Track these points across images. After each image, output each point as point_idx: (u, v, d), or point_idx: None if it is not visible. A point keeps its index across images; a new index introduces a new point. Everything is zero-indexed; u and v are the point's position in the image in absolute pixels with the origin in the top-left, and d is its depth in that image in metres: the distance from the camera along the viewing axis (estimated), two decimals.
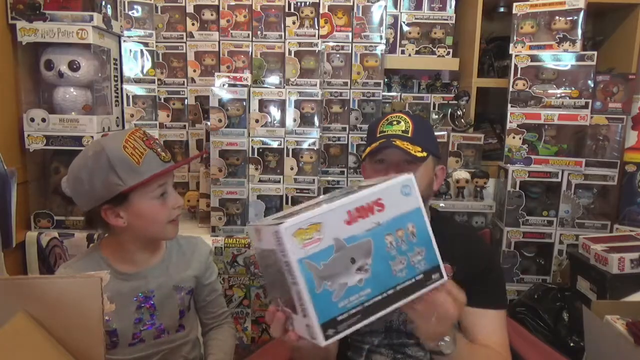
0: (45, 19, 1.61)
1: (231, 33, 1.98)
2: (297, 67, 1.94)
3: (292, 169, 1.85)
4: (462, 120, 2.04)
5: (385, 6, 1.98)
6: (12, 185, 1.56)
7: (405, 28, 2.09)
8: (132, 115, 1.93)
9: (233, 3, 1.97)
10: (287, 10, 1.96)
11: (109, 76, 1.82)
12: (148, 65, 1.95)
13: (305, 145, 1.85)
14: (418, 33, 2.10)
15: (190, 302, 1.20)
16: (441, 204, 1.90)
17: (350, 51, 1.98)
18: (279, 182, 1.84)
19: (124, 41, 1.89)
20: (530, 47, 1.89)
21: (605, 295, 1.50)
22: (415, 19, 2.08)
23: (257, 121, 1.82)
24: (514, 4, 1.91)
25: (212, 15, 1.99)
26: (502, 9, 2.23)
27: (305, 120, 1.86)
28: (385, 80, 2.12)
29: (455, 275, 1.02)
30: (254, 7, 1.96)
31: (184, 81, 2.04)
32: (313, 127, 1.85)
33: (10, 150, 1.60)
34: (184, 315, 1.17)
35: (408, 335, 1.07)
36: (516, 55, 1.89)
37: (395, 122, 1.12)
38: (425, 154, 1.07)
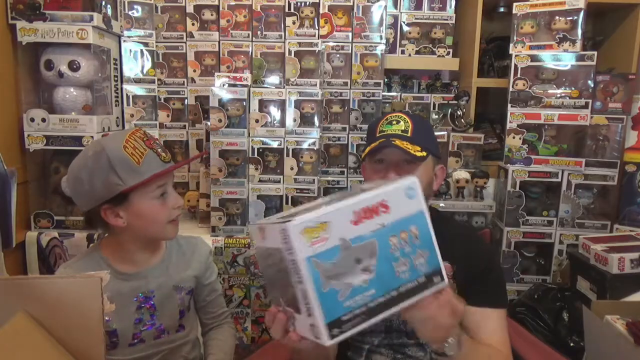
0: (45, 19, 1.61)
1: (231, 33, 1.98)
2: (297, 67, 1.94)
3: (292, 169, 1.85)
4: (462, 120, 2.04)
5: (385, 6, 1.98)
6: (12, 185, 1.56)
7: (405, 28, 2.09)
8: (132, 115, 1.93)
9: (233, 3, 1.97)
10: (287, 10, 1.96)
11: (109, 76, 1.82)
12: (148, 65, 1.95)
13: (305, 145, 1.85)
14: (418, 33, 2.10)
15: (190, 302, 1.20)
16: (441, 204, 1.90)
17: (350, 51, 1.98)
18: (279, 182, 1.84)
19: (124, 41, 1.89)
20: (530, 47, 1.89)
21: (605, 295, 1.50)
22: (415, 19, 2.08)
23: (257, 121, 1.82)
24: (514, 4, 1.91)
25: (212, 15, 1.99)
26: (502, 9, 2.23)
27: (305, 120, 1.86)
28: (385, 80, 2.12)
29: (455, 275, 1.02)
30: (254, 7, 1.96)
31: (184, 81, 2.04)
32: (313, 127, 1.85)
33: (10, 150, 1.60)
34: (184, 315, 1.17)
35: (408, 335, 1.07)
36: (516, 55, 1.89)
37: (394, 122, 1.12)
38: (424, 153, 1.07)
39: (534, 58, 1.88)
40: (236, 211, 1.79)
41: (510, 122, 1.91)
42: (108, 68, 1.81)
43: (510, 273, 1.91)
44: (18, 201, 1.58)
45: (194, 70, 2.03)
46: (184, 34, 2.00)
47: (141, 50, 1.94)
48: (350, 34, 1.97)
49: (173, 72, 2.04)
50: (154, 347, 1.11)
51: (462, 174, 1.93)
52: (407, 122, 1.11)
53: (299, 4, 1.96)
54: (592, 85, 1.83)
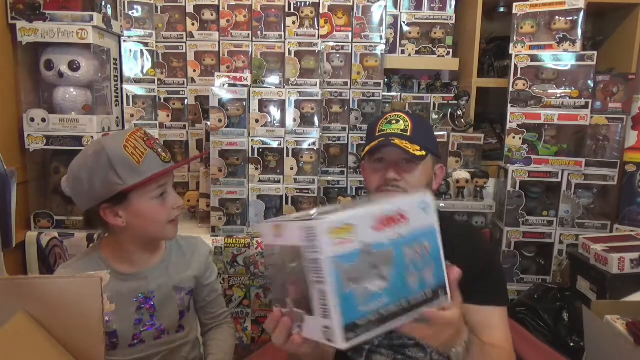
0: (45, 19, 1.61)
1: (231, 33, 1.98)
2: (297, 67, 1.94)
3: (292, 169, 1.85)
4: (462, 120, 2.04)
5: (385, 6, 1.98)
6: (12, 185, 1.56)
7: (405, 28, 2.09)
8: (132, 115, 1.93)
9: (233, 3, 1.97)
10: (287, 10, 1.96)
11: (109, 76, 1.82)
12: (148, 65, 1.95)
13: (305, 145, 1.85)
14: (418, 33, 2.10)
15: (190, 303, 1.20)
16: (441, 204, 1.90)
17: (350, 51, 1.98)
18: (279, 182, 1.84)
19: (124, 41, 1.89)
20: (530, 47, 1.89)
21: (605, 295, 1.50)
22: (415, 19, 2.08)
23: (257, 121, 1.82)
24: (514, 4, 1.91)
25: (212, 15, 1.99)
26: (502, 9, 2.23)
27: (305, 120, 1.86)
28: (385, 80, 2.12)
29: None
30: (254, 7, 1.96)
31: (184, 81, 2.04)
32: (313, 127, 1.85)
33: (10, 150, 1.60)
34: (184, 315, 1.17)
35: (409, 336, 1.07)
36: (516, 55, 1.89)
37: (394, 121, 1.12)
38: (424, 152, 1.07)
39: (534, 58, 1.88)
40: (236, 211, 1.79)
41: (510, 122, 1.91)
42: (108, 68, 1.81)
43: (510, 273, 1.91)
44: (18, 201, 1.58)
45: (194, 70, 2.03)
46: (184, 34, 2.00)
47: (141, 50, 1.94)
48: (350, 34, 1.97)
49: (173, 72, 2.04)
50: (154, 347, 1.11)
51: (462, 174, 1.93)
52: (407, 121, 1.11)
53: (299, 4, 1.96)
54: (592, 85, 1.83)
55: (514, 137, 1.91)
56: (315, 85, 1.89)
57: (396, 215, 0.66)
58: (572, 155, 1.90)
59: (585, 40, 1.89)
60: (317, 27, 1.97)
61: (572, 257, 1.74)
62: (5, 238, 1.54)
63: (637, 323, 1.11)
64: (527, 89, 1.88)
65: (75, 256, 1.17)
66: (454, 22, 2.08)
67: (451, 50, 2.10)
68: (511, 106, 1.90)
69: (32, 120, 1.63)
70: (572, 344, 1.57)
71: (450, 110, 2.09)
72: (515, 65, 1.89)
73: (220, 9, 1.97)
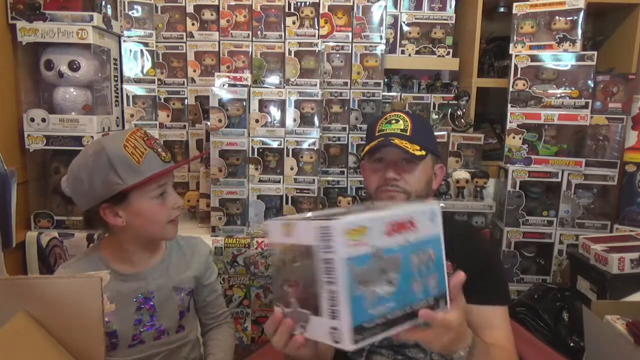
0: (45, 19, 1.61)
1: (231, 33, 1.98)
2: (297, 67, 1.94)
3: (292, 169, 1.85)
4: (462, 120, 2.04)
5: (385, 6, 1.97)
6: (12, 185, 1.56)
7: (405, 28, 2.09)
8: (132, 115, 1.93)
9: (233, 3, 1.97)
10: (287, 10, 1.96)
11: (109, 76, 1.82)
12: (148, 65, 1.95)
13: (305, 145, 1.84)
14: (418, 33, 2.10)
15: (190, 303, 1.20)
16: (441, 204, 1.89)
17: (350, 51, 1.98)
18: (279, 182, 1.84)
19: (124, 41, 1.89)
20: (530, 47, 1.89)
21: (605, 295, 1.50)
22: (415, 19, 2.08)
23: (257, 121, 1.82)
24: (514, 4, 1.91)
25: (212, 15, 1.99)
26: (502, 9, 2.23)
27: (305, 120, 1.86)
28: (385, 80, 2.11)
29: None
30: (254, 7, 1.96)
31: (184, 81, 2.04)
32: (313, 127, 1.85)
33: (10, 150, 1.60)
34: (184, 316, 1.17)
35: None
36: (516, 55, 1.89)
37: (394, 121, 1.12)
38: (423, 152, 1.07)
39: (534, 58, 1.88)
40: (236, 211, 1.79)
41: (510, 122, 1.90)
42: (108, 68, 1.81)
43: (510, 273, 1.91)
44: (18, 201, 1.58)
45: (194, 70, 2.03)
46: (184, 34, 2.00)
47: (141, 50, 1.94)
48: (350, 34, 1.97)
49: (173, 72, 2.04)
50: (153, 348, 1.11)
51: (462, 174, 1.93)
52: (406, 121, 1.11)
53: (299, 4, 1.96)
54: (592, 85, 1.83)
55: (514, 137, 1.91)
56: (315, 85, 1.89)
57: (406, 222, 0.67)
58: (572, 155, 1.90)
59: (585, 40, 1.89)
60: (317, 27, 1.97)
61: (572, 257, 1.74)
62: (5, 238, 1.54)
63: (637, 323, 1.11)
64: (527, 89, 1.88)
65: (75, 256, 1.17)
66: (454, 22, 2.08)
67: (451, 50, 2.10)
68: (511, 106, 1.90)
69: (32, 120, 1.63)
70: (572, 344, 1.57)
71: (450, 110, 2.09)
72: (515, 65, 1.89)
73: (220, 9, 1.97)
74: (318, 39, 1.96)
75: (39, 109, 1.65)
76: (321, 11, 1.95)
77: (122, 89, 1.90)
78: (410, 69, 2.21)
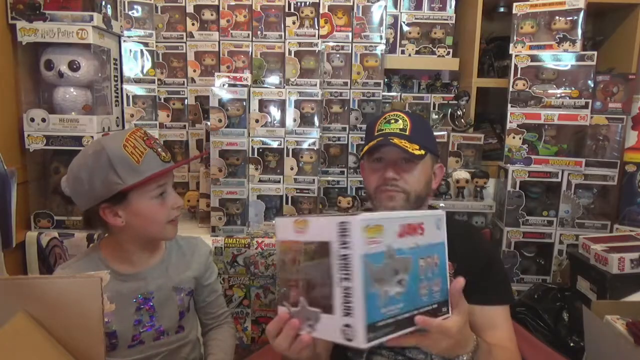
0: (45, 19, 1.61)
1: (231, 33, 1.98)
2: (297, 67, 1.94)
3: (292, 169, 1.85)
4: (462, 120, 2.04)
5: (385, 6, 1.97)
6: (12, 185, 1.56)
7: (405, 28, 2.09)
8: (132, 115, 1.93)
9: (233, 3, 1.97)
10: (287, 10, 1.96)
11: (109, 76, 1.82)
12: (148, 65, 1.95)
13: (305, 145, 1.84)
14: (418, 33, 2.10)
15: (190, 303, 1.20)
16: (441, 204, 1.90)
17: (350, 51, 1.98)
18: (279, 182, 1.84)
19: (124, 41, 1.89)
20: (530, 47, 1.89)
21: (605, 295, 1.50)
22: (415, 19, 2.08)
23: (257, 121, 1.82)
24: (514, 4, 1.91)
25: (212, 15, 1.99)
26: (502, 9, 2.23)
27: (305, 120, 1.86)
28: (385, 80, 2.11)
29: (456, 273, 1.02)
30: (254, 7, 1.96)
31: (184, 81, 2.04)
32: (313, 127, 1.85)
33: (10, 150, 1.60)
34: (184, 316, 1.17)
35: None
36: (516, 55, 1.89)
37: (393, 121, 1.12)
38: (423, 152, 1.07)
39: (534, 58, 1.88)
40: (236, 211, 1.79)
41: (510, 122, 1.90)
42: (108, 68, 1.81)
43: (510, 273, 1.91)
44: (18, 201, 1.58)
45: (194, 70, 2.03)
46: (184, 34, 2.00)
47: (141, 50, 1.94)
48: (350, 34, 1.97)
49: (173, 72, 2.04)
50: (153, 348, 1.11)
51: (462, 174, 1.93)
52: (406, 120, 1.11)
53: (299, 4, 1.96)
54: (592, 85, 1.83)
55: (514, 137, 1.91)
56: (315, 85, 1.89)
57: (417, 226, 0.68)
58: (572, 155, 1.90)
59: (585, 40, 1.89)
60: (317, 27, 1.97)
61: (572, 257, 1.74)
62: (5, 238, 1.54)
63: (637, 323, 1.11)
64: (527, 89, 1.88)
65: (75, 256, 1.17)
66: (454, 22, 2.08)
67: (451, 50, 2.10)
68: (511, 106, 1.90)
69: (32, 120, 1.63)
70: (572, 344, 1.56)
71: (450, 110, 2.09)
72: (515, 65, 1.89)
73: (220, 9, 1.97)
74: (318, 39, 1.96)
75: (39, 109, 1.65)
76: (321, 11, 1.95)
77: (122, 89, 1.90)
78: (410, 69, 2.21)
